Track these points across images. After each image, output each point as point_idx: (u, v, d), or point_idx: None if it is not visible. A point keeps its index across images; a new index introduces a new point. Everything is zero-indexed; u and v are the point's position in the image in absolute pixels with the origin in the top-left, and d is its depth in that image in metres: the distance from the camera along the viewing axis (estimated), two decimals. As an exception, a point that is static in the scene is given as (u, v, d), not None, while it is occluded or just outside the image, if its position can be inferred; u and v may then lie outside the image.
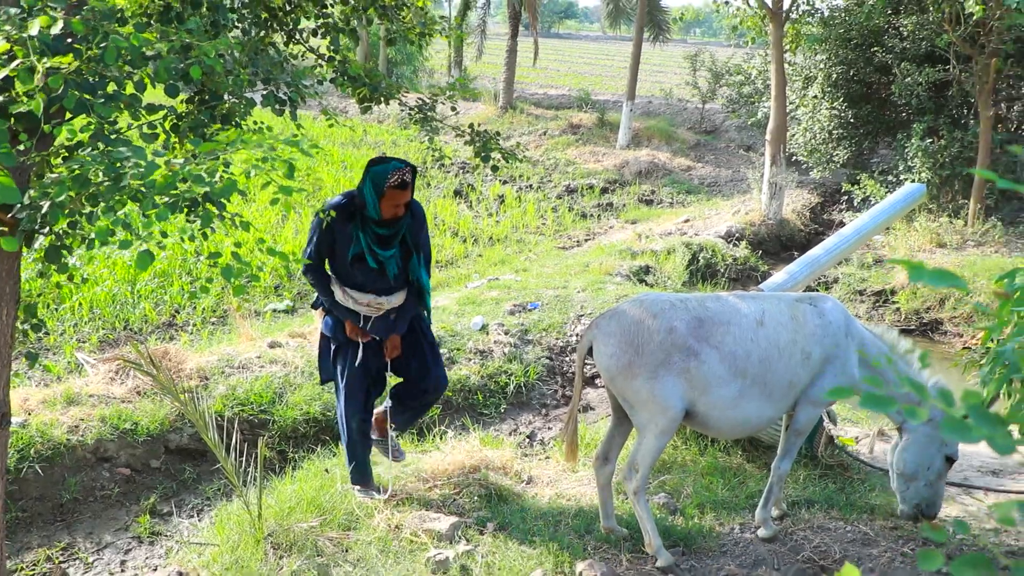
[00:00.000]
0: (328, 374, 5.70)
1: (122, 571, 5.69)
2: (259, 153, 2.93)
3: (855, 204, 17.69)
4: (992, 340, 4.63)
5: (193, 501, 6.58)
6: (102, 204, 2.90)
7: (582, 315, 9.70)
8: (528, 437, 7.55)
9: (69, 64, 2.89)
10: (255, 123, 3.99)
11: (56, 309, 9.78)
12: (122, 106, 3.14)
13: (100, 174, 2.86)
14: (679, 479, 5.95)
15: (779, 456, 5.11)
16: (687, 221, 17.16)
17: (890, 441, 6.71)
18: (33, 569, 5.54)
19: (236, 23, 4.61)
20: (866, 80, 18.31)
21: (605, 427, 5.57)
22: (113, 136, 3.11)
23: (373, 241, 5.21)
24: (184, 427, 6.87)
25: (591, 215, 18.91)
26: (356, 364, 5.39)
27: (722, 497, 5.66)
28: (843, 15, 18.10)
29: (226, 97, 3.89)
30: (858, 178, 17.57)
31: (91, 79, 3.00)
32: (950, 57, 15.96)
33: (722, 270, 14.38)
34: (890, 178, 17.23)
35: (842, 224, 15.53)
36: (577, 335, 9.17)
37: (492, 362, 8.61)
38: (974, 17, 14.20)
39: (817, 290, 12.96)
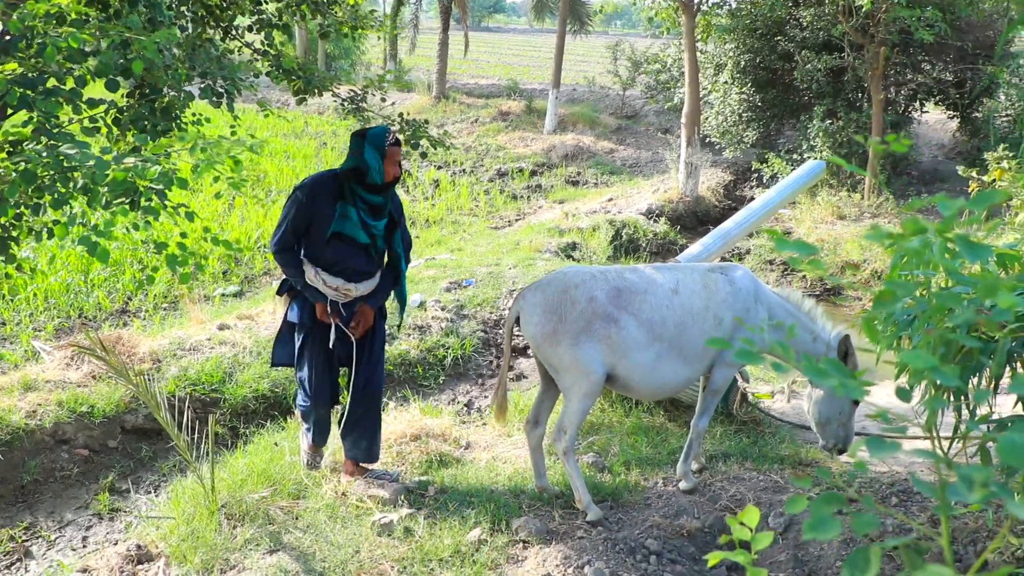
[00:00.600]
0: (281, 359, 5.32)
1: (84, 547, 5.60)
2: (204, 155, 2.87)
3: (764, 181, 17.97)
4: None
5: (150, 478, 6.48)
6: (48, 197, 2.83)
7: (514, 290, 9.72)
8: (466, 406, 7.57)
9: (12, 69, 2.80)
10: (194, 115, 3.93)
11: (11, 300, 9.52)
12: (63, 101, 3.06)
13: (46, 169, 2.79)
14: (606, 439, 6.01)
15: (697, 414, 5.19)
16: (611, 200, 17.25)
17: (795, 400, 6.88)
18: (-5, 548, 5.42)
19: (174, 20, 4.51)
20: (771, 67, 18.57)
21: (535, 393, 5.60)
22: (55, 131, 3.03)
23: (366, 212, 4.89)
24: (139, 408, 6.75)
25: (521, 196, 18.91)
26: (329, 347, 5.06)
27: (646, 454, 5.73)
28: (749, 7, 18.30)
29: (165, 91, 3.81)
30: (766, 157, 17.84)
31: (31, 75, 2.92)
32: (845, 46, 16.26)
33: (644, 245, 14.51)
34: (795, 156, 17.53)
35: (752, 199, 15.79)
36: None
37: (430, 336, 8.60)
38: (863, 9, 14.48)
39: (731, 261, 13.15)
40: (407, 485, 5.21)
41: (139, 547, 4.69)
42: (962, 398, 3.71)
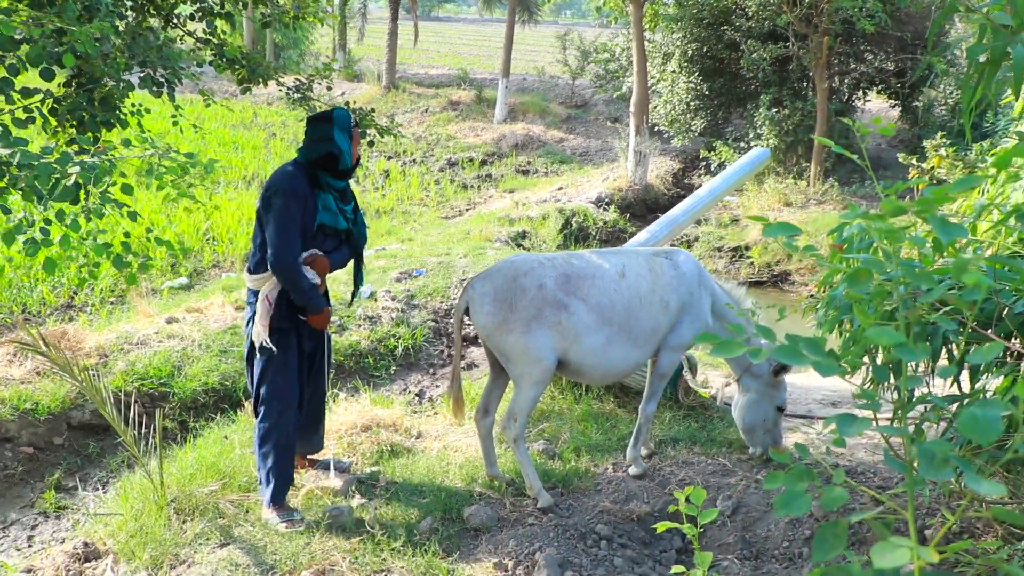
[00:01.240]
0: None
1: (29, 546, 5.48)
2: (143, 164, 2.81)
3: (712, 168, 18.14)
4: (826, 287, 4.81)
5: (98, 474, 6.37)
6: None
7: (464, 279, 9.70)
8: (417, 395, 7.54)
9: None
10: (134, 106, 3.84)
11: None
12: (-6, 91, 2.98)
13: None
14: (556, 426, 6.03)
15: (645, 399, 5.22)
16: (561, 189, 17.29)
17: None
18: (-65, 548, 5.29)
19: (112, 7, 4.40)
20: (718, 56, 18.73)
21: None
22: (-13, 121, 2.94)
23: (337, 199, 4.69)
24: (86, 404, 6.63)
25: (471, 186, 18.87)
26: (298, 352, 4.73)
27: (596, 441, 5.75)
28: (695, -4, 18.46)
29: (104, 80, 3.73)
30: (714, 145, 18.02)
31: (-41, 64, 2.83)
32: (789, 35, 16.46)
33: (593, 233, 14.57)
34: (742, 144, 17.72)
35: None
36: (461, 298, 9.20)
37: (381, 327, 8.55)
38: (804, 7, 14.67)
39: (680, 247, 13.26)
40: (358, 476, 5.18)
41: (86, 545, 4.60)
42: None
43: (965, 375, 3.50)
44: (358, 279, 5.22)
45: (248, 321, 4.77)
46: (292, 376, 4.73)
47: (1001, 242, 3.74)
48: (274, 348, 4.57)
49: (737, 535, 4.58)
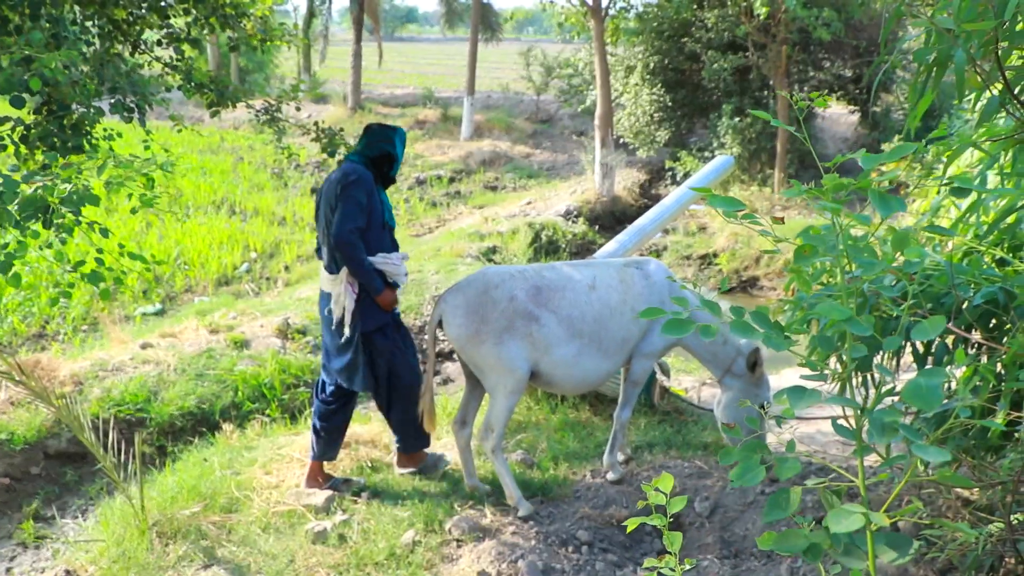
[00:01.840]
0: (367, 384, 5.07)
1: (8, 577, 5.44)
2: (114, 171, 2.84)
3: (678, 178, 18.32)
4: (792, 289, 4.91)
5: (77, 503, 6.33)
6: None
7: (437, 295, 9.73)
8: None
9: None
10: (105, 131, 3.86)
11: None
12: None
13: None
14: (534, 436, 6.07)
15: (619, 406, 5.28)
16: (529, 203, 17.39)
17: (715, 388, 7.03)
18: (-86, 583, 5.23)
19: (79, 35, 4.42)
20: (679, 67, 18.95)
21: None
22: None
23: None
24: (62, 432, 6.58)
25: (440, 203, 18.93)
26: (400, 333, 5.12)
27: (573, 449, 5.80)
28: (655, 10, 18.66)
29: (74, 107, 3.75)
30: (679, 155, 18.21)
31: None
32: (749, 46, 16.69)
33: (563, 245, 14.67)
34: (707, 154, 17.92)
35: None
36: (434, 314, 9.23)
37: (357, 345, 8.56)
38: (759, 21, 14.90)
39: (648, 256, 13.38)
40: (340, 492, 5.19)
41: (68, 573, 4.58)
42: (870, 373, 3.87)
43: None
44: None
45: (336, 324, 5.01)
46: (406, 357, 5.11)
47: (960, 239, 3.85)
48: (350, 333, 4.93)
49: (716, 535, 4.64)
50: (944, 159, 5.76)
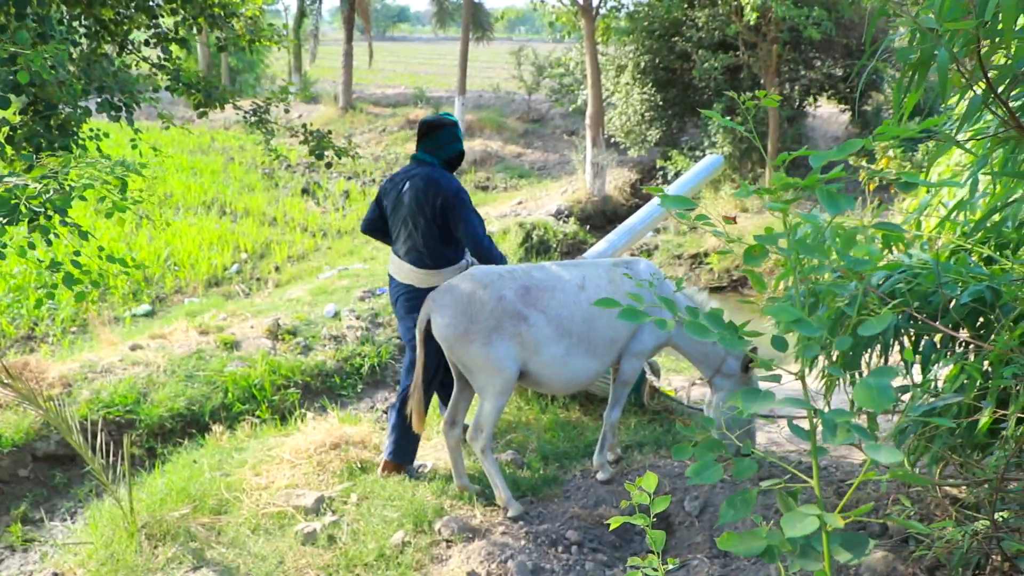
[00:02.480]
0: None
1: (-4, 581, 5.43)
2: (87, 170, 2.83)
3: (669, 178, 18.34)
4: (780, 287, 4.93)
5: (65, 505, 6.31)
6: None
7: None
8: (384, 412, 7.56)
9: None
10: (92, 131, 3.85)
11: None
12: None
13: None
14: (524, 436, 6.07)
15: (609, 406, 5.28)
16: (520, 203, 17.40)
17: (705, 388, 7.04)
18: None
19: (66, 35, 4.40)
20: (670, 67, 18.96)
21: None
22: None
23: None
24: (50, 434, 6.56)
25: (432, 204, 18.90)
26: None
27: (563, 449, 5.81)
28: (646, 9, 18.68)
29: (61, 107, 3.73)
30: (670, 154, 18.22)
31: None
32: (739, 45, 16.73)
33: (554, 245, 14.68)
34: (698, 153, 17.94)
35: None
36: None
37: (346, 346, 8.56)
38: (749, 22, 14.93)
39: (638, 256, 13.41)
40: (329, 494, 5.19)
41: (56, 575, 4.57)
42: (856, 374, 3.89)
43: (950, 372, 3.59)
44: None
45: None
46: None
47: (947, 237, 3.87)
48: None
49: (705, 535, 4.65)
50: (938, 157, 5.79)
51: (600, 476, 5.26)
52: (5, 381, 4.77)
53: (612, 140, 19.91)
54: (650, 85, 19.10)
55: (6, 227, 2.70)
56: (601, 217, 16.98)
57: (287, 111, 5.75)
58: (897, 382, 3.83)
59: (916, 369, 3.60)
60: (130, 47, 5.04)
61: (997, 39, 2.29)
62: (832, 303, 3.41)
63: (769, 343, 2.09)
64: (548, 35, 24.22)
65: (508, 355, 4.67)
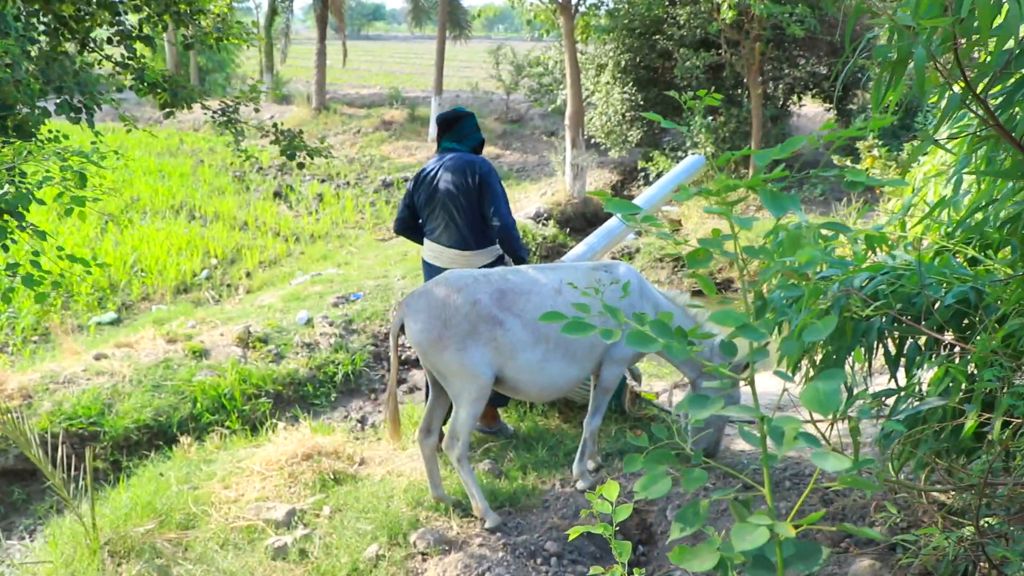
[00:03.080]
0: None
1: (-50, 602, 5.36)
2: (48, 164, 2.81)
3: (651, 179, 18.40)
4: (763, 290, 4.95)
5: (25, 522, 6.25)
6: None
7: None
8: (359, 421, 7.54)
9: None
10: (51, 132, 3.81)
11: None
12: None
13: None
14: (502, 445, 6.06)
15: (589, 414, 5.28)
16: (499, 206, 17.38)
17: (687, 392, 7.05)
18: None
19: (23, 31, 4.36)
20: (651, 65, 19.04)
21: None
22: None
23: None
24: (9, 448, 6.50)
25: (409, 207, 18.90)
26: None
27: (542, 457, 5.80)
28: (626, 7, 18.75)
29: (18, 108, 3.69)
30: (651, 155, 18.27)
31: None
32: (721, 43, 16.80)
33: (533, 248, 14.68)
34: (680, 154, 18.03)
35: (640, 199, 16.17)
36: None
37: (319, 353, 8.53)
38: (727, 20, 14.99)
39: (619, 260, 13.45)
40: (301, 507, 5.16)
41: (14, 595, 4.52)
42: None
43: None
44: None
45: None
46: None
47: (933, 237, 3.90)
48: None
49: (688, 543, 4.65)
50: (922, 158, 5.83)
51: (580, 485, 5.25)
52: (-39, 393, 4.72)
53: (592, 141, 19.96)
54: (631, 84, 19.17)
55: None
56: (581, 219, 17.01)
57: (257, 111, 5.73)
58: (881, 386, 3.86)
59: (901, 372, 3.63)
60: (92, 45, 4.99)
61: (975, 36, 2.31)
62: (815, 305, 3.42)
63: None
64: (527, 33, 24.23)
65: (483, 361, 4.66)
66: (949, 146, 3.82)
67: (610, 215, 8.97)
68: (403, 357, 8.79)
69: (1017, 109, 2.85)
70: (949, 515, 3.51)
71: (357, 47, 54.70)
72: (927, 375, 3.58)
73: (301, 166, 5.90)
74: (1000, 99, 2.75)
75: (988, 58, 2.51)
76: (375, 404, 8.05)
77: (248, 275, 13.46)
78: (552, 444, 6.04)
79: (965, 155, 3.54)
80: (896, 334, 3.61)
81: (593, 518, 4.85)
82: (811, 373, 4.02)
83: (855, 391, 3.68)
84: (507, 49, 27.30)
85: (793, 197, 1.85)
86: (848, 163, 10.58)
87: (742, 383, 1.99)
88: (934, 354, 3.56)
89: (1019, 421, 2.97)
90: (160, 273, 12.69)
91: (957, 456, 3.51)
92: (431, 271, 5.78)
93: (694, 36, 17.62)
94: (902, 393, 3.52)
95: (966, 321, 3.43)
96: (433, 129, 24.17)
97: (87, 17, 4.84)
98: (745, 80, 17.06)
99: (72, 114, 3.99)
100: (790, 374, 3.70)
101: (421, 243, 6.03)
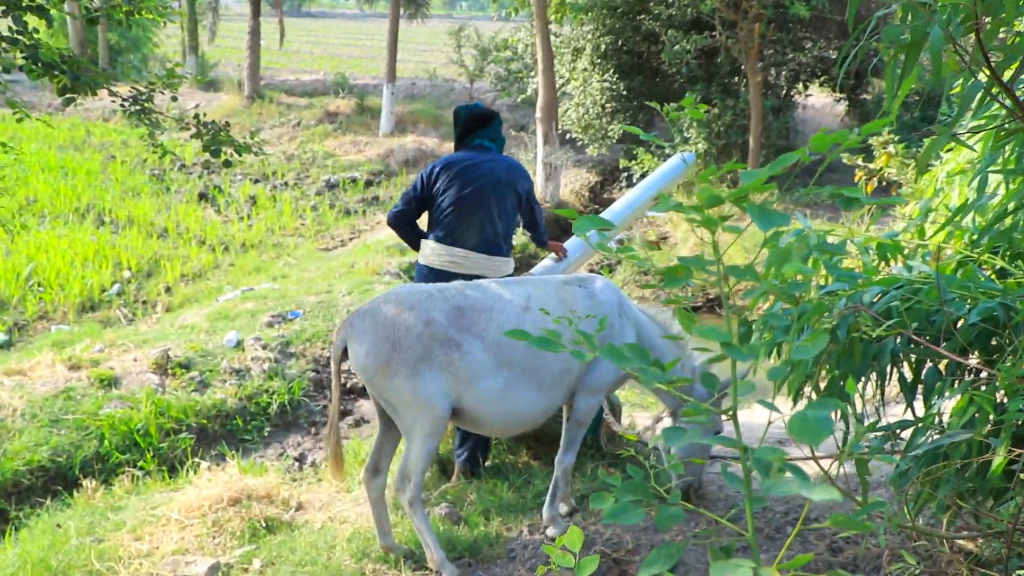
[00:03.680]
0: None
1: None
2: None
3: (634, 180, 18.45)
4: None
5: None
6: None
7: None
8: (296, 460, 7.48)
9: None
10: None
11: None
12: None
13: None
14: (462, 486, 6.04)
15: (562, 450, 5.26)
16: (460, 210, 17.38)
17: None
18: None
19: None
20: (636, 50, 19.11)
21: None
22: None
23: None
24: None
25: (355, 211, 18.86)
26: None
27: (508, 500, 5.77)
28: (607, -19, 18.82)
29: None
30: (635, 153, 18.31)
31: None
32: (715, 23, 16.88)
33: (500, 260, 14.68)
34: (668, 151, 18.08)
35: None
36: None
37: (250, 381, 8.46)
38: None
39: (600, 272, 13.46)
40: (227, 560, 5.10)
41: None
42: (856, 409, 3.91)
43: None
44: None
45: None
46: None
47: (957, 245, 3.91)
48: None
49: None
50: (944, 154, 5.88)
51: (551, 532, 5.23)
52: None
53: (568, 136, 20.00)
54: (612, 71, 19.24)
55: None
56: (555, 226, 17.00)
57: (175, 99, 5.67)
58: (895, 417, 3.87)
59: (918, 401, 3.63)
60: (-25, 19, 4.92)
61: (1001, 15, 2.32)
62: (818, 324, 3.42)
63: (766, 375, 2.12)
64: (493, 12, 24.28)
65: (438, 389, 4.63)
66: (971, 142, 3.85)
67: (588, 221, 8.94)
68: (347, 385, 8.74)
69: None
70: (977, 566, 3.52)
71: (297, 26, 54.66)
72: (948, 404, 3.59)
73: (228, 164, 5.85)
74: (1029, 87, 2.77)
75: (1016, 40, 2.52)
76: (315, 439, 7.99)
77: (168, 290, 13.35)
78: (519, 484, 6.02)
79: (991, 152, 3.56)
80: (912, 357, 3.61)
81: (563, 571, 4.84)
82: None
83: (865, 422, 3.69)
84: (471, 30, 27.39)
85: (783, 214, 1.86)
86: (860, 161, 10.67)
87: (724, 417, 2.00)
88: (956, 380, 3.56)
89: (1053, 457, 2.97)
90: (61, 287, 12.54)
91: (984, 498, 3.51)
92: (438, 280, 5.57)
93: (684, 16, 17.70)
94: (920, 425, 3.51)
95: (993, 342, 3.42)
96: (386, 122, 24.17)
97: (-33, -15, 4.77)
98: (743, 66, 17.15)
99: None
100: (791, 403, 3.70)
101: (415, 244, 6.15)
